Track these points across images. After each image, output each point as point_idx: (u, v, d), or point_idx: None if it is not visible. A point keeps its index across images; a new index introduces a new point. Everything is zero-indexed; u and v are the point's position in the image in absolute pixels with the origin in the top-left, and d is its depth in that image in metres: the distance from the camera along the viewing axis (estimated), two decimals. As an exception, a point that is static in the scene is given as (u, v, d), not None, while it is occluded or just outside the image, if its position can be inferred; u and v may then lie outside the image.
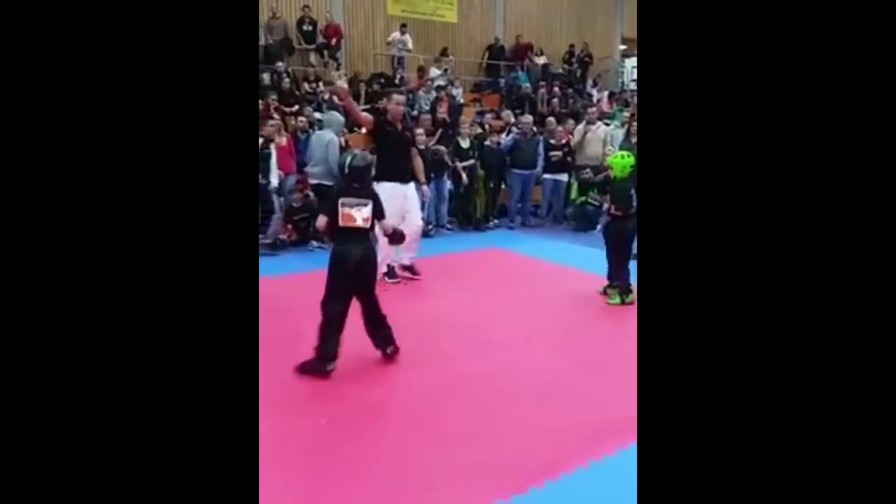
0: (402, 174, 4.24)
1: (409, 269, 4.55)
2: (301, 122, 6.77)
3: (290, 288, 4.05)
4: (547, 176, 7.01)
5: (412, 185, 4.37)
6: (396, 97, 4.41)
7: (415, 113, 7.98)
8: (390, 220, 3.54)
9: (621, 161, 3.93)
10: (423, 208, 6.17)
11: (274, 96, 7.53)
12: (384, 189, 3.95)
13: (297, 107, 7.76)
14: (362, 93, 8.72)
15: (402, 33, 10.26)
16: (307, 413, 2.46)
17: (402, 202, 4.18)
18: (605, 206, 4.04)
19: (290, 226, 5.90)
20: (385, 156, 4.19)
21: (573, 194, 6.95)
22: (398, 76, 9.74)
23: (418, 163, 4.52)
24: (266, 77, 8.14)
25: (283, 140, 6.28)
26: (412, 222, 4.28)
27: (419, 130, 6.30)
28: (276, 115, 6.59)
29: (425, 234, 6.30)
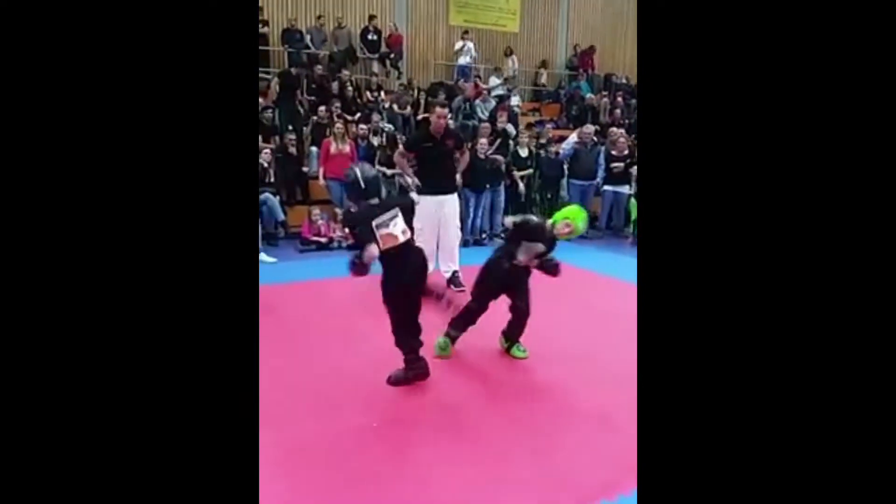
0: (440, 186, 4.18)
1: (453, 281, 4.40)
2: (362, 129, 6.92)
3: (342, 289, 4.11)
4: (607, 188, 6.85)
5: (452, 195, 4.29)
6: (439, 110, 4.23)
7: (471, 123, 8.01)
8: (429, 235, 3.45)
9: (580, 214, 2.92)
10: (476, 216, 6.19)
11: (337, 104, 7.75)
12: (423, 203, 3.92)
13: (359, 114, 7.95)
14: (421, 102, 8.82)
15: (466, 40, 10.34)
16: (344, 418, 2.47)
17: (439, 214, 4.14)
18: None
19: (346, 230, 6.03)
20: (423, 170, 4.16)
21: (633, 208, 6.76)
22: (460, 85, 9.79)
23: (462, 161, 4.40)
24: (335, 86, 8.38)
25: (346, 147, 6.44)
26: (448, 234, 4.22)
27: (482, 140, 6.31)
28: (339, 122, 6.77)
29: (479, 242, 6.30)
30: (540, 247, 2.87)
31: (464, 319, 3.00)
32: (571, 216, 2.87)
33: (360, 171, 2.57)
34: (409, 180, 4.08)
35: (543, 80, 11.50)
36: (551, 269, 2.90)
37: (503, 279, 2.96)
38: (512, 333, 3.09)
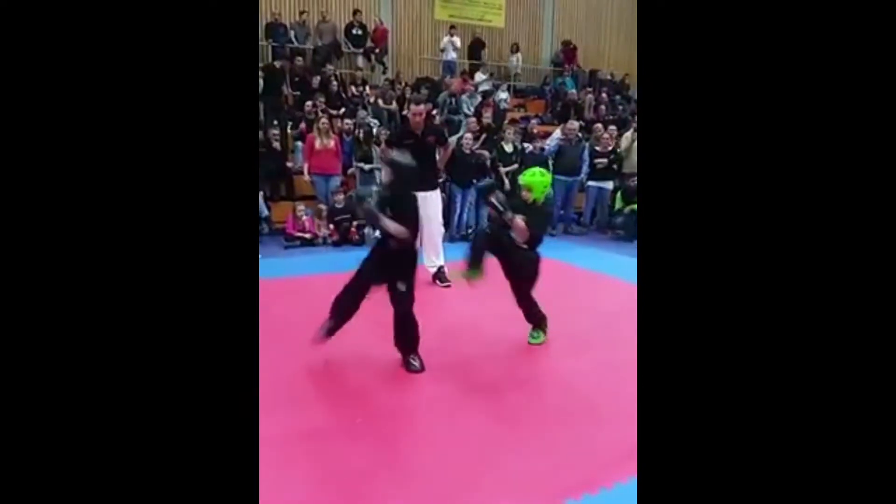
0: (422, 182, 4.18)
1: (438, 276, 4.49)
2: (347, 124, 6.87)
3: (327, 286, 4.10)
4: (591, 183, 6.90)
5: (434, 192, 4.35)
6: (414, 108, 4.35)
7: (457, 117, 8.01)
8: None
9: (541, 180, 3.17)
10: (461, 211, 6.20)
11: (322, 98, 7.67)
12: None
13: (343, 109, 7.89)
14: (407, 97, 8.77)
15: (452, 35, 10.30)
16: (329, 413, 2.47)
17: (421, 210, 4.21)
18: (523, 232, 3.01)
19: (332, 226, 6.00)
20: None
21: (617, 203, 6.82)
22: (446, 81, 9.75)
23: (443, 156, 4.45)
24: (316, 80, 8.29)
25: (331, 142, 6.39)
26: (431, 229, 4.26)
27: (467, 135, 6.31)
28: (324, 117, 6.72)
29: (465, 238, 6.31)
30: (520, 223, 2.99)
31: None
32: (529, 182, 3.15)
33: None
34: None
35: (517, 69, 11.31)
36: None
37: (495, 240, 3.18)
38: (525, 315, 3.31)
